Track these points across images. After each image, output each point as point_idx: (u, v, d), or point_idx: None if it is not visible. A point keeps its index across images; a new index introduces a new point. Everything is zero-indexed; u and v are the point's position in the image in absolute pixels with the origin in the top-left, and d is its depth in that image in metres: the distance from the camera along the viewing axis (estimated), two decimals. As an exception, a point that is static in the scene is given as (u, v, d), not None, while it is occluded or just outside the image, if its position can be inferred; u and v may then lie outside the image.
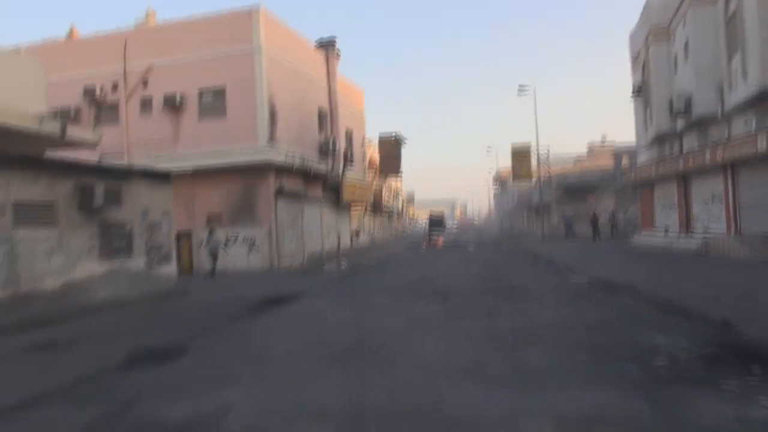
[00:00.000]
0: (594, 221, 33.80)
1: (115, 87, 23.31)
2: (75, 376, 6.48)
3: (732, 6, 18.18)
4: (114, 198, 11.61)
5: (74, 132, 12.44)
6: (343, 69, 34.72)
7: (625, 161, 38.20)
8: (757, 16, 15.96)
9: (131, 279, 12.55)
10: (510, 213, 71.25)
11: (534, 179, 43.91)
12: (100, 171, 11.96)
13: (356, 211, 36.92)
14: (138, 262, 12.81)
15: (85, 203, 11.10)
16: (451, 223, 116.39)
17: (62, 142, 12.64)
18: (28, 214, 10.01)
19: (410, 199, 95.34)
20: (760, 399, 4.53)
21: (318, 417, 4.62)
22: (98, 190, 11.11)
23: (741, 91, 17.16)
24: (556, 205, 42.32)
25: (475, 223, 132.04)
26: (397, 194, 74.10)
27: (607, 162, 43.83)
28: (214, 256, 19.49)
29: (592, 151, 68.74)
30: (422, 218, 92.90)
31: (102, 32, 24.77)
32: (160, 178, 13.81)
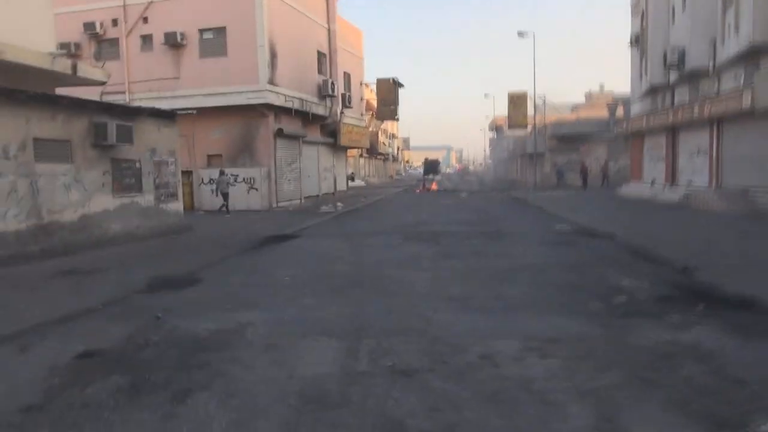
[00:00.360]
0: (583, 171, 34.52)
1: (114, 22, 23.28)
2: (104, 298, 7.31)
3: (731, -40, 18.30)
4: (125, 136, 12.19)
5: (85, 70, 12.86)
6: (342, 11, 34.40)
7: (620, 111, 38.53)
8: (753, -28, 16.20)
9: (141, 214, 13.29)
10: (504, 161, 71.74)
11: (529, 127, 44.29)
12: (112, 109, 12.47)
13: (352, 155, 37.40)
14: (147, 198, 13.51)
15: (98, 140, 11.68)
16: (447, 169, 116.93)
17: (73, 80, 13.07)
18: (47, 149, 10.62)
19: (406, 145, 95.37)
20: (694, 328, 5.42)
21: (324, 332, 5.49)
22: (111, 128, 11.68)
23: (732, 46, 17.54)
24: (550, 154, 42.90)
25: (471, 169, 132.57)
26: (392, 139, 74.20)
27: (603, 112, 44.15)
28: (225, 195, 20.22)
29: (589, 99, 68.67)
30: (417, 163, 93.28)
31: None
32: (167, 117, 14.33)
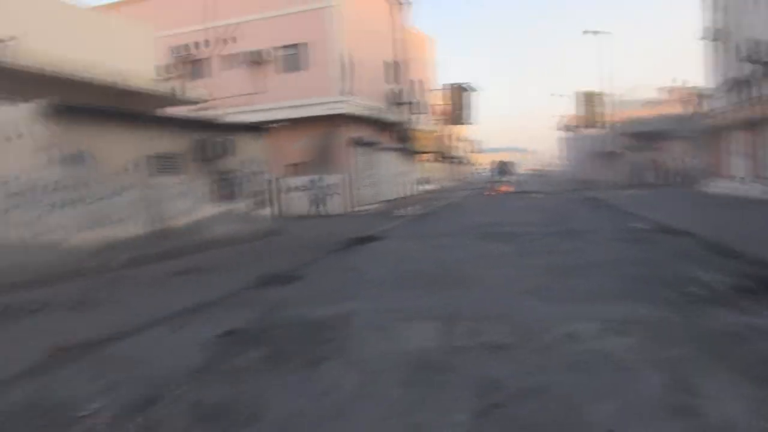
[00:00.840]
0: (658, 168, 33.66)
1: (204, 44, 25.24)
2: (221, 292, 8.41)
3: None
4: (225, 150, 13.53)
5: (187, 92, 14.36)
6: (415, 19, 35.28)
7: (697, 107, 37.25)
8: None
9: (238, 220, 14.63)
10: (577, 160, 70.27)
11: (602, 125, 43.50)
12: (213, 126, 13.88)
13: (424, 159, 38.14)
14: (242, 205, 14.84)
15: (203, 155, 13.07)
16: (518, 171, 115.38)
17: (175, 100, 14.61)
18: (163, 164, 12.06)
19: (477, 147, 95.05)
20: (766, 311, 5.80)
21: (421, 317, 6.28)
22: (214, 143, 13.05)
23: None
24: (624, 152, 41.93)
25: (543, 170, 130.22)
26: (463, 142, 74.29)
27: (678, 107, 42.70)
28: (319, 200, 21.63)
29: (663, 95, 66.20)
30: (487, 166, 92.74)
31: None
32: (259, 131, 15.65)
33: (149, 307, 7.42)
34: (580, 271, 8.84)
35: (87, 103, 10.93)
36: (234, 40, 24.53)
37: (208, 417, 3.92)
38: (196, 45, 25.20)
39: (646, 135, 38.88)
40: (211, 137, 13.15)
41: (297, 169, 24.11)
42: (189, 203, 12.83)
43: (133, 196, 11.23)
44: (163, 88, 14.26)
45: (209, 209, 13.54)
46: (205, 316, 6.93)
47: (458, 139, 70.25)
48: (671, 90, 63.83)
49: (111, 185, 10.73)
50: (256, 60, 23.83)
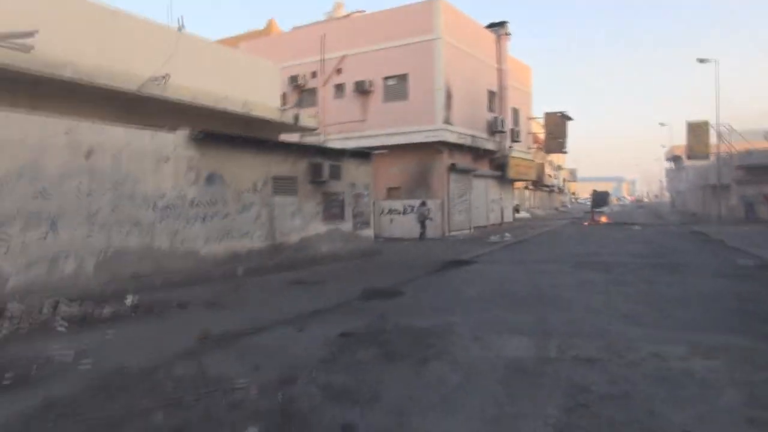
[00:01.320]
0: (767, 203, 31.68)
1: (313, 75, 27.21)
2: (333, 301, 9.39)
3: None
4: (334, 173, 14.78)
5: (305, 120, 15.83)
6: (513, 49, 35.81)
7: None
8: None
9: (342, 238, 15.78)
10: (683, 192, 66.80)
11: (712, 157, 41.44)
12: (325, 152, 15.21)
13: (518, 187, 38.17)
14: (347, 225, 16.00)
15: (315, 177, 14.37)
16: (619, 201, 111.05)
17: (294, 128, 16.10)
18: (280, 185, 13.44)
19: (573, 176, 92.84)
20: None
21: (517, 332, 6.89)
22: (325, 168, 14.33)
23: None
24: (736, 186, 39.61)
25: (645, 201, 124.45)
26: (559, 170, 73.01)
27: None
28: (422, 223, 22.54)
29: (788, 124, 61.69)
30: (584, 195, 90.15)
31: (302, 26, 28.85)
32: (364, 156, 16.85)
33: (273, 310, 8.53)
34: (676, 302, 9.01)
35: (221, 131, 12.49)
36: (339, 72, 26.30)
37: (337, 396, 4.78)
38: (308, 75, 27.22)
39: (761, 168, 36.61)
40: (323, 161, 14.43)
41: (393, 192, 25.22)
42: (301, 221, 14.12)
43: (255, 213, 12.64)
44: (285, 117, 15.82)
45: (318, 227, 14.78)
46: (323, 320, 7.92)
47: (555, 168, 69.16)
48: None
49: (238, 203, 12.18)
50: (360, 89, 25.37)
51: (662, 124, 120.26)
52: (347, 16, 32.41)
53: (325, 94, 26.99)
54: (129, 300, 8.63)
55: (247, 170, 12.50)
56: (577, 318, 7.75)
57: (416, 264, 14.70)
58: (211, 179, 11.53)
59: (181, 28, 13.31)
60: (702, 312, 8.23)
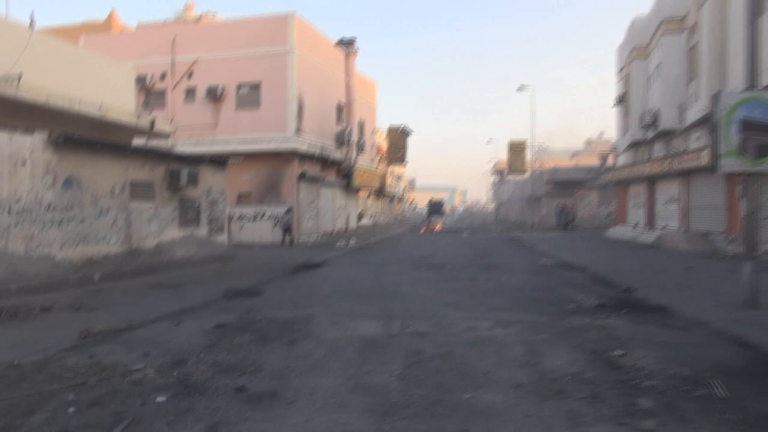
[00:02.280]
0: (567, 214, 37.70)
1: (163, 76, 26.79)
2: (198, 301, 10.14)
3: (693, 39, 21.69)
4: (192, 180, 15.23)
5: (160, 125, 16.04)
6: (359, 64, 38.03)
7: (611, 160, 41.76)
8: (708, 52, 19.50)
9: (198, 243, 16.23)
10: (506, 203, 74.90)
11: (528, 173, 47.52)
12: (183, 158, 15.58)
13: (362, 195, 40.47)
14: (202, 230, 16.48)
15: (173, 184, 14.72)
16: (452, 210, 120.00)
17: (150, 133, 16.24)
18: (138, 191, 13.64)
19: (411, 185, 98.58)
20: (609, 319, 8.26)
21: (366, 318, 8.35)
22: (183, 174, 14.75)
23: (694, 112, 20.72)
24: (547, 198, 45.98)
25: (475, 210, 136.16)
26: (399, 180, 77.41)
27: (595, 160, 47.35)
28: (285, 230, 23.36)
29: (589, 146, 72.26)
30: (422, 204, 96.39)
31: (150, 24, 28.18)
32: (220, 164, 17.43)
33: (142, 310, 9.08)
34: (490, 293, 11.19)
35: (80, 135, 12.47)
36: (190, 75, 26.27)
37: (225, 369, 5.80)
38: (156, 76, 26.68)
39: (565, 183, 42.98)
40: (182, 168, 14.86)
41: (243, 199, 25.79)
42: (157, 226, 14.42)
43: (112, 218, 12.78)
44: (141, 121, 15.89)
45: (174, 232, 15.14)
46: (195, 316, 8.72)
47: (395, 177, 73.32)
48: (589, 143, 69.72)
49: (95, 208, 12.27)
50: (213, 95, 25.59)
51: (489, 141, 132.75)
52: (199, 18, 32.23)
53: (175, 97, 26.72)
54: (-11, 304, 8.64)
55: (105, 175, 12.62)
56: (414, 306, 9.46)
57: (271, 267, 15.68)
58: (68, 183, 11.55)
59: (32, 24, 13.01)
60: (507, 299, 10.43)
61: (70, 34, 31.04)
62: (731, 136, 9.06)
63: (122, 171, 13.14)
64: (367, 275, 14.30)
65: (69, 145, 11.57)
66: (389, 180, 63.12)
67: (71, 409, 4.69)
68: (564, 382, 5.33)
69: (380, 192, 56.33)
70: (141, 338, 7.22)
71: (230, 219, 25.28)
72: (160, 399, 4.94)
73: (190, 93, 26.46)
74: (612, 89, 32.76)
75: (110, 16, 35.10)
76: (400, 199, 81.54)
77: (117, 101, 15.14)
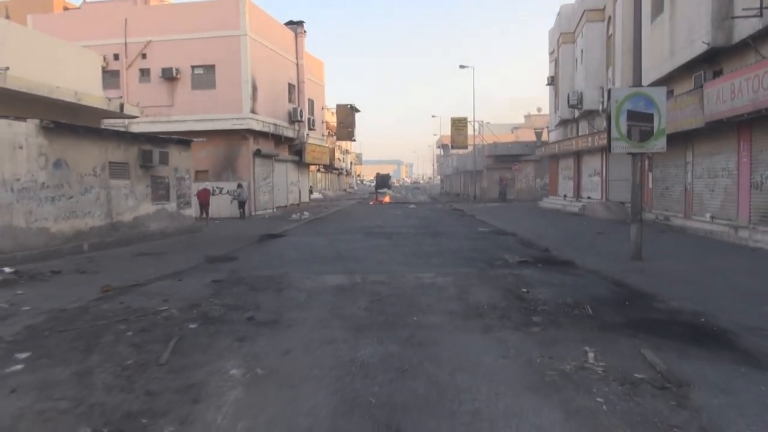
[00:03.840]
0: (502, 185, 40.68)
1: (116, 56, 27.37)
2: (185, 265, 11.80)
3: (610, 29, 24.29)
4: (162, 159, 16.60)
5: (129, 109, 17.25)
6: (308, 43, 39.17)
7: (545, 135, 44.79)
8: (621, 42, 22.09)
9: (169, 217, 17.66)
10: (450, 176, 77.79)
11: (470, 147, 50.11)
12: (154, 140, 16.88)
13: (312, 170, 42.03)
14: (172, 205, 17.89)
15: (145, 163, 16.07)
16: (397, 183, 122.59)
17: (118, 116, 17.42)
18: (116, 170, 14.97)
19: (358, 159, 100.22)
20: (525, 270, 10.54)
21: (333, 273, 10.32)
22: (155, 154, 16.12)
23: (612, 96, 23.36)
24: (487, 171, 48.79)
25: (421, 183, 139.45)
26: (346, 154, 78.93)
27: (532, 135, 50.39)
28: (241, 204, 25.05)
29: (528, 121, 75.80)
30: (369, 177, 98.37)
31: (96, 2, 28.48)
32: (185, 144, 18.77)
33: (140, 273, 10.71)
34: (434, 255, 13.35)
35: (65, 121, 13.67)
36: (144, 56, 27.00)
37: (233, 308, 7.65)
38: (110, 57, 27.21)
39: (504, 157, 45.80)
40: (153, 149, 16.21)
41: (201, 175, 27.01)
42: (134, 202, 15.81)
43: (95, 195, 14.13)
44: (111, 105, 17.02)
45: (148, 207, 16.55)
46: (190, 275, 10.46)
47: (343, 152, 74.83)
48: (528, 117, 73.15)
49: (81, 186, 13.61)
50: (168, 76, 26.48)
51: (434, 116, 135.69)
52: (148, -1, 32.55)
53: (129, 77, 27.40)
54: (8, 270, 10.08)
55: (88, 156, 13.93)
56: (371, 266, 11.49)
57: (237, 238, 17.34)
58: (58, 164, 12.86)
59: (8, 16, 13.97)
60: (448, 259, 12.61)
61: (13, 10, 30.90)
62: (621, 124, 11.41)
63: (102, 152, 14.46)
64: (326, 243, 16.21)
65: (57, 130, 12.84)
66: (337, 154, 64.71)
67: (129, 333, 6.46)
68: (483, 309, 7.48)
69: (329, 167, 57.98)
70: (154, 291, 8.93)
71: (212, 193, 26.56)
72: (192, 326, 6.77)
73: (144, 73, 27.22)
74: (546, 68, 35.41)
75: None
76: (348, 173, 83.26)
77: (87, 87, 16.22)
